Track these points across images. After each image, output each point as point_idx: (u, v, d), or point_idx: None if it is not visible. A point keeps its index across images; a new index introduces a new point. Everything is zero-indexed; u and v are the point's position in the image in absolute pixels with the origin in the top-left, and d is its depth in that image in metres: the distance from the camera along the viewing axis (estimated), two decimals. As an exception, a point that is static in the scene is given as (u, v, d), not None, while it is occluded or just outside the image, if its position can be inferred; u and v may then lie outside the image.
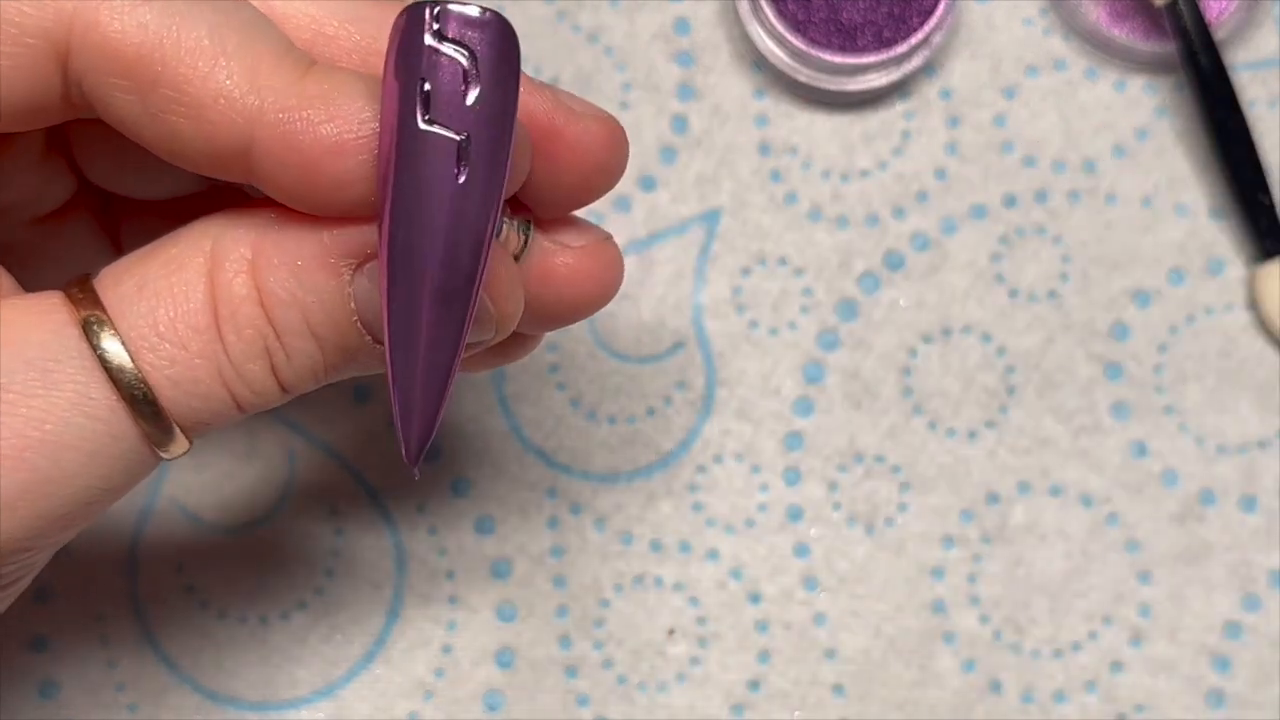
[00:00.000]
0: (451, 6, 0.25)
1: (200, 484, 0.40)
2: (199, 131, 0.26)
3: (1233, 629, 0.40)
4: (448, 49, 0.25)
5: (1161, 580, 0.40)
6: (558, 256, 0.30)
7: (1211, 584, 0.40)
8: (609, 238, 0.31)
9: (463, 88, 0.25)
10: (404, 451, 0.27)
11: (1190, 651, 0.40)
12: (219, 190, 0.32)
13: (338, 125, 0.26)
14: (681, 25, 0.41)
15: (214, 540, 0.40)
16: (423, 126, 0.25)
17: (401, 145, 0.25)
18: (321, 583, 0.40)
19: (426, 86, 0.25)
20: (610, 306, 0.40)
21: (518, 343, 0.32)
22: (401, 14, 0.26)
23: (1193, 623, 0.40)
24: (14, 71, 0.26)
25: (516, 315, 0.29)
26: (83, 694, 0.39)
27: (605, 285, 0.30)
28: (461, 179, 0.25)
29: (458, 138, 0.25)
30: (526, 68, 0.40)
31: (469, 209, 0.26)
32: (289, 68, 0.26)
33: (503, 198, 0.26)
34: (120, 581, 0.40)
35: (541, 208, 0.29)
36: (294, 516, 0.40)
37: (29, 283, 0.29)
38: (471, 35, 0.25)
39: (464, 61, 0.25)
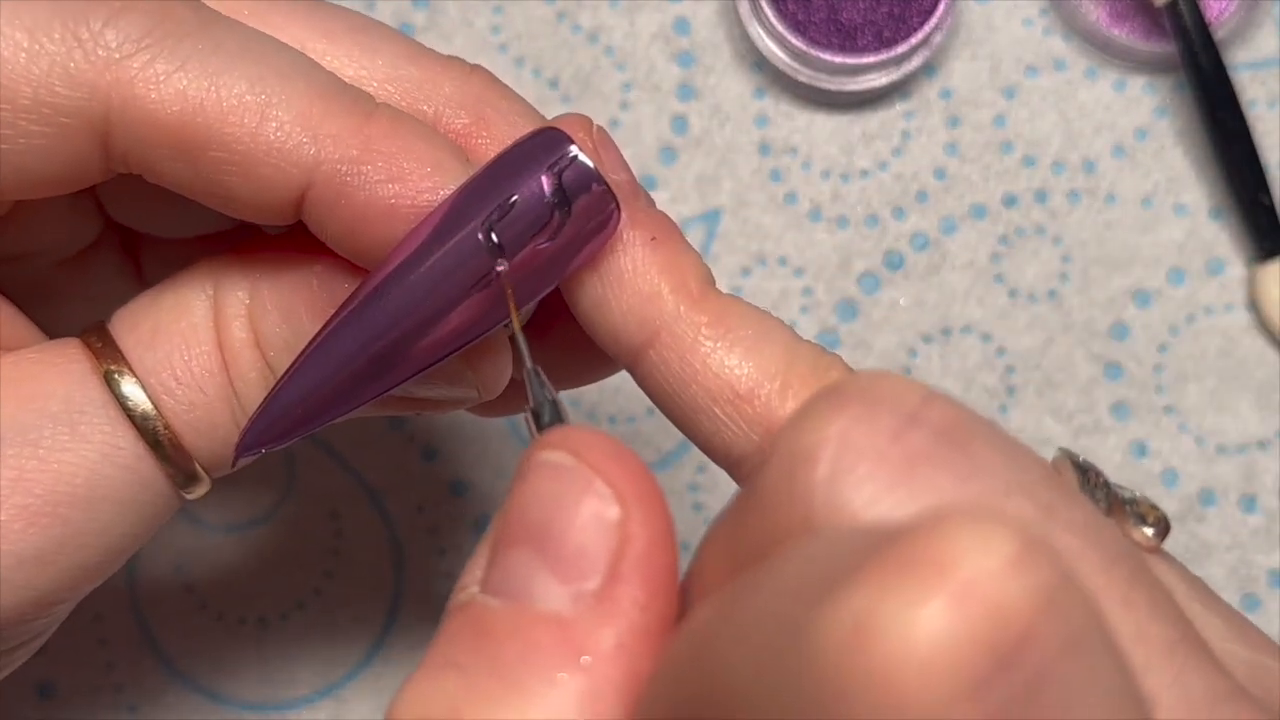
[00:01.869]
0: (581, 157, 0.25)
1: (199, 484, 0.40)
2: (251, 186, 0.25)
3: (1233, 629, 0.40)
4: (550, 185, 0.25)
5: (1162, 580, 0.40)
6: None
7: (1212, 584, 0.40)
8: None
9: (534, 232, 0.25)
10: (239, 440, 0.27)
11: (1190, 651, 0.40)
12: (244, 227, 0.32)
13: (399, 188, 0.25)
14: (681, 25, 0.41)
15: (213, 541, 0.40)
16: (480, 236, 0.25)
17: (446, 239, 0.25)
18: (321, 583, 0.40)
19: (514, 198, 0.25)
20: (610, 306, 0.40)
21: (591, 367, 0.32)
22: (545, 129, 0.25)
23: (1193, 623, 0.40)
24: (49, 151, 0.25)
25: (502, 382, 0.28)
26: (81, 695, 0.39)
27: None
28: (470, 298, 0.25)
29: (495, 260, 0.25)
30: (527, 69, 0.40)
31: (467, 320, 0.25)
32: (346, 110, 0.25)
33: (482, 330, 0.26)
34: (119, 582, 0.40)
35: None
36: (293, 517, 0.40)
37: (54, 319, 0.29)
38: (581, 193, 0.25)
39: (555, 204, 0.25)
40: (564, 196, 0.25)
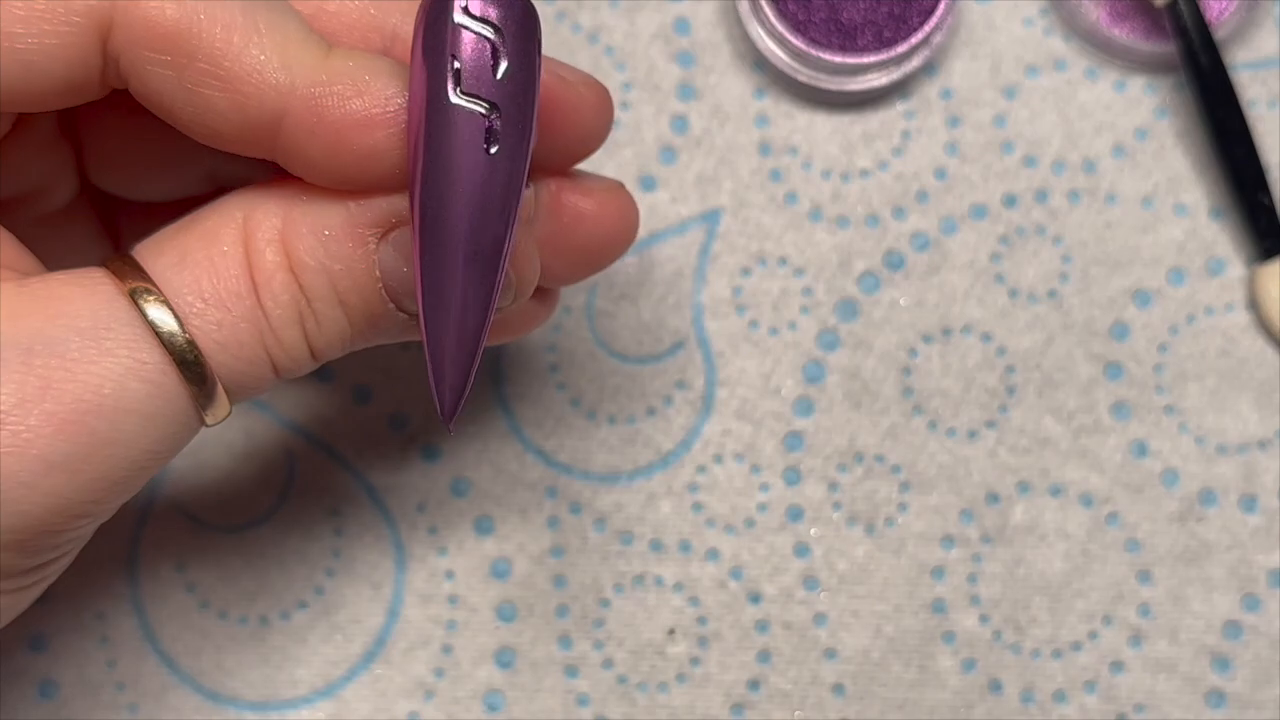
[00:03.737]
0: None
1: (200, 484, 0.40)
2: (232, 104, 0.27)
3: (1233, 629, 0.40)
4: (475, 26, 0.27)
5: (1161, 580, 0.40)
6: (586, 200, 0.31)
7: (1211, 584, 0.40)
8: (621, 184, 0.33)
9: (491, 63, 0.27)
10: (440, 409, 0.28)
11: (1190, 651, 0.40)
12: (220, 192, 0.33)
13: (366, 100, 0.27)
14: (682, 25, 0.41)
15: (214, 540, 0.40)
16: (454, 100, 0.26)
17: (433, 119, 0.26)
18: (322, 582, 0.40)
19: (456, 63, 0.26)
20: (610, 306, 0.40)
21: (541, 299, 0.34)
22: None
23: (1193, 623, 0.40)
24: (59, 50, 0.27)
25: (534, 278, 0.30)
26: (82, 694, 0.39)
27: (630, 223, 0.32)
28: (493, 150, 0.27)
29: (487, 112, 0.27)
30: (527, 67, 0.40)
31: (498, 179, 0.27)
32: (314, 46, 0.27)
33: (527, 167, 0.27)
34: (120, 581, 0.40)
35: (535, 168, 0.31)
36: (294, 516, 0.40)
37: None
38: (496, 12, 0.27)
39: (491, 37, 0.27)
40: (489, 23, 0.27)
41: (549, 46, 0.41)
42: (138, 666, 0.40)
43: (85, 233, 0.34)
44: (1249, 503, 0.40)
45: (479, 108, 0.27)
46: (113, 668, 0.40)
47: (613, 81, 0.41)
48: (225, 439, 0.40)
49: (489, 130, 0.27)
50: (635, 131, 0.41)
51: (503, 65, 0.27)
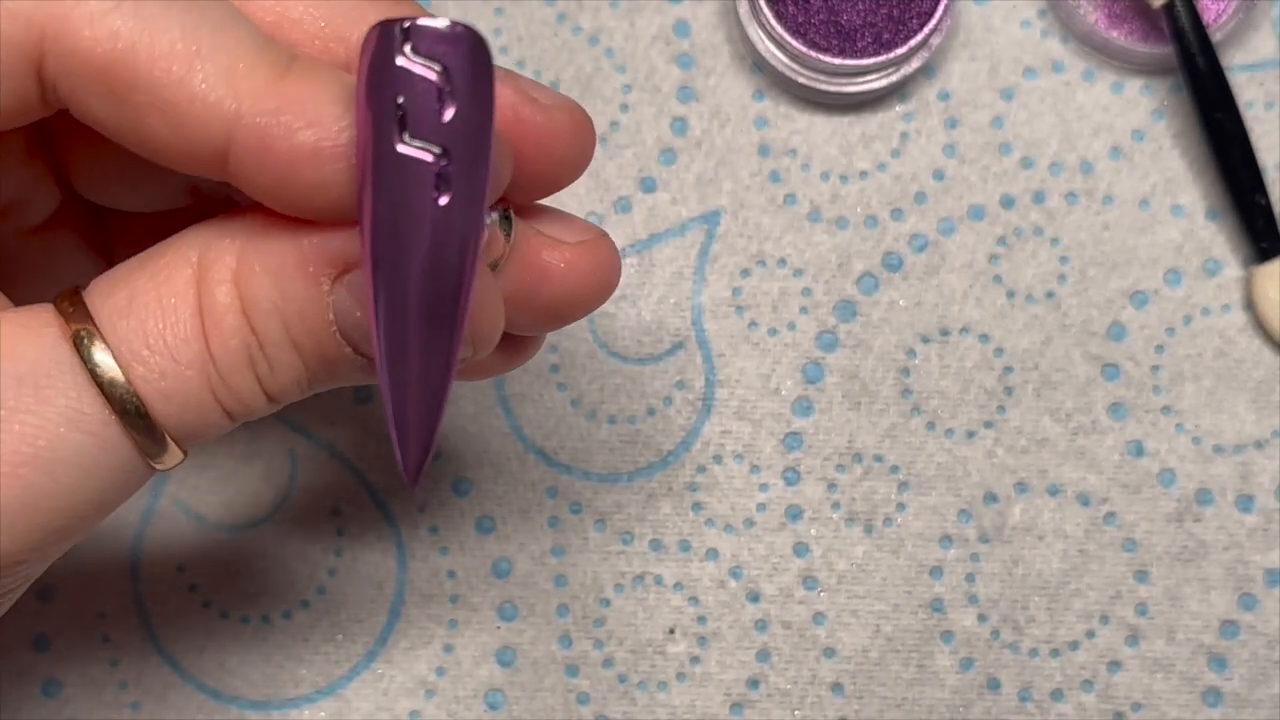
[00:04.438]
0: (421, 22, 0.25)
1: (202, 483, 0.40)
2: (175, 134, 0.26)
3: (1230, 628, 0.40)
4: (420, 67, 0.25)
5: (1159, 579, 0.40)
6: (554, 253, 0.29)
7: (1208, 583, 0.40)
8: (604, 235, 0.30)
9: (438, 105, 0.25)
10: (403, 470, 0.27)
11: (1187, 651, 0.40)
12: (209, 203, 0.32)
13: (315, 132, 0.25)
14: (681, 27, 0.41)
15: (216, 539, 0.40)
16: (400, 150, 0.25)
17: (379, 168, 0.25)
18: (324, 581, 0.40)
19: (401, 102, 0.25)
20: (610, 307, 0.40)
21: (519, 347, 0.32)
22: (371, 31, 0.25)
23: (1190, 622, 0.40)
24: None
25: (496, 334, 0.28)
26: (85, 693, 0.40)
27: (602, 281, 0.30)
28: (443, 200, 0.25)
29: (436, 160, 0.25)
30: (528, 71, 0.41)
31: (451, 231, 0.25)
32: (266, 67, 0.26)
33: (485, 214, 0.26)
34: (123, 581, 0.40)
35: (509, 197, 0.29)
36: (296, 516, 0.40)
37: (19, 297, 0.29)
38: (444, 50, 0.25)
39: (437, 78, 0.25)
40: (433, 66, 0.25)
41: (550, 49, 0.41)
42: (140, 665, 0.40)
43: (69, 244, 0.33)
44: (1245, 502, 0.40)
45: (426, 155, 0.25)
46: (115, 667, 0.40)
47: (613, 83, 0.41)
48: (227, 439, 0.40)
49: (439, 176, 0.25)
50: (635, 133, 0.41)
51: (451, 107, 0.25)
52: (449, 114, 0.25)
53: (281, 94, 0.25)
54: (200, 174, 0.27)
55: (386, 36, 0.25)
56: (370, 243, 0.25)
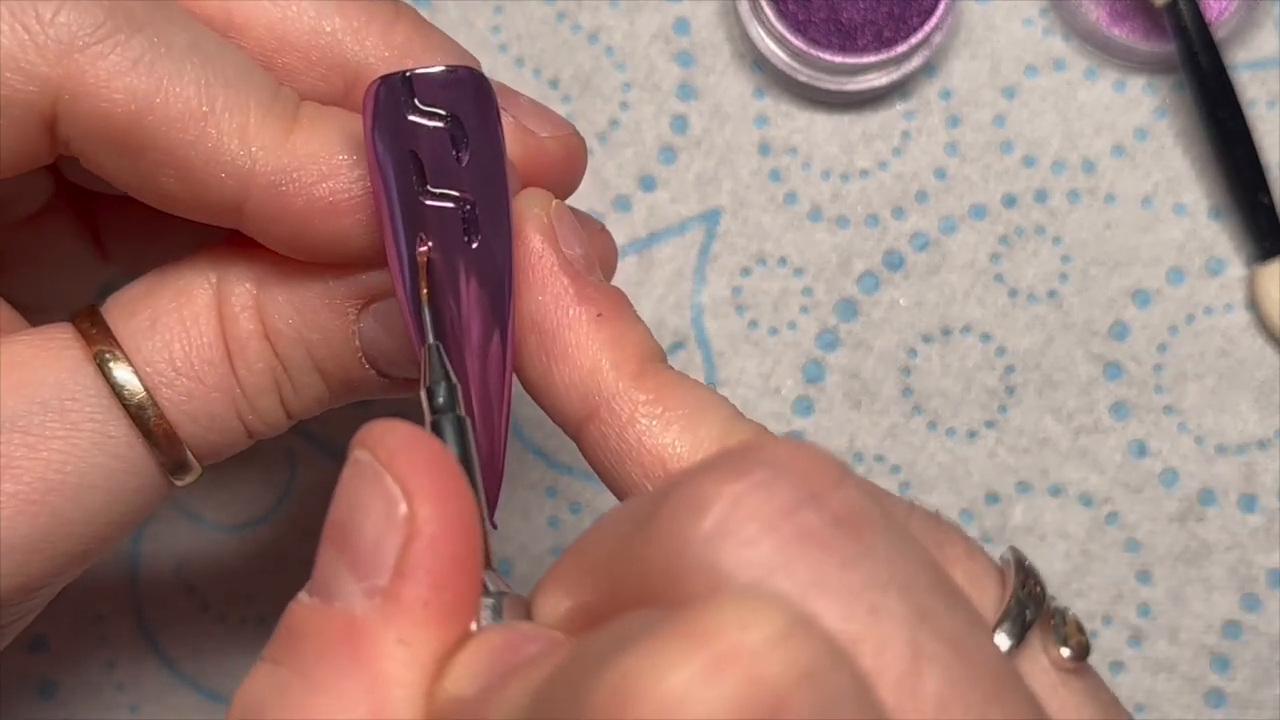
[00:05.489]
0: (420, 72, 0.25)
1: (201, 484, 0.40)
2: (189, 191, 0.26)
3: (1232, 629, 0.40)
4: (427, 118, 0.25)
5: (1161, 580, 0.40)
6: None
7: (1211, 584, 0.40)
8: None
9: (453, 151, 0.25)
10: (485, 507, 0.26)
11: (1190, 651, 0.40)
12: None
13: (331, 185, 0.26)
14: (681, 25, 0.41)
15: (214, 540, 0.40)
16: (427, 203, 0.25)
17: (408, 219, 0.25)
18: (322, 583, 0.40)
19: (415, 152, 0.25)
20: (610, 306, 0.40)
21: None
22: (373, 87, 0.25)
23: (1192, 622, 0.40)
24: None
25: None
26: (83, 694, 0.39)
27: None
28: (474, 244, 0.26)
29: (458, 205, 0.25)
30: (528, 69, 0.40)
31: (489, 267, 0.26)
32: (276, 118, 0.26)
33: (513, 240, 0.26)
34: (120, 582, 0.40)
35: None
36: (295, 516, 0.40)
37: (14, 285, 0.29)
38: (448, 97, 0.25)
39: (446, 126, 0.25)
40: (440, 114, 0.25)
41: (550, 47, 0.41)
42: (138, 667, 0.40)
43: (63, 229, 0.33)
44: (1248, 502, 0.40)
45: (449, 202, 0.25)
46: (113, 668, 0.40)
47: (612, 81, 0.41)
48: (225, 439, 0.40)
49: (465, 221, 0.26)
50: (635, 131, 0.41)
51: (465, 152, 0.25)
52: (465, 159, 0.25)
53: (293, 151, 0.26)
54: (214, 223, 0.27)
55: (391, 91, 0.25)
56: (408, 290, 0.25)
